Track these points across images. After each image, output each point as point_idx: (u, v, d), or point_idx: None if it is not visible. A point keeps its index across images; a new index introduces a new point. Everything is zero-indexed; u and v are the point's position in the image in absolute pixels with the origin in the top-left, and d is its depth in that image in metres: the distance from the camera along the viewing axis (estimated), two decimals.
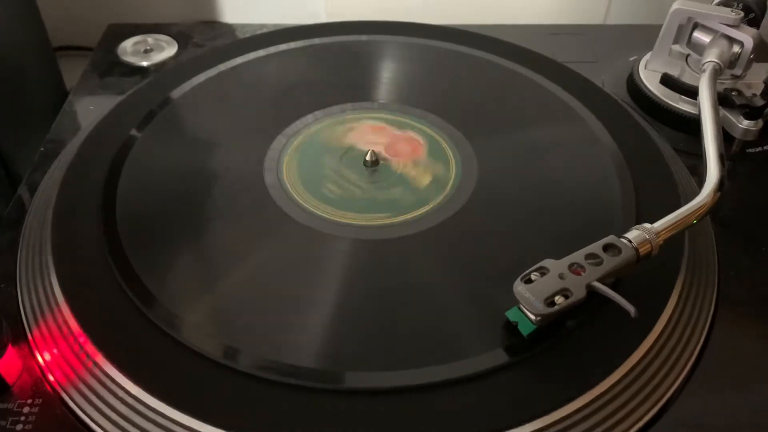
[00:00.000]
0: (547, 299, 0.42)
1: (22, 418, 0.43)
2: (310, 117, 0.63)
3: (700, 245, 0.53)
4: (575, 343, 0.45)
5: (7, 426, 0.43)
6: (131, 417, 0.42)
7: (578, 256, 0.44)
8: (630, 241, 0.45)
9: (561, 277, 0.43)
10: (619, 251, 0.44)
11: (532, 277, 0.43)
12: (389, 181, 0.57)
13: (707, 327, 0.49)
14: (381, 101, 0.66)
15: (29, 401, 0.44)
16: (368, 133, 0.62)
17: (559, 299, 0.42)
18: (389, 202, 0.55)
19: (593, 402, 0.43)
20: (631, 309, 0.41)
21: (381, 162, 0.59)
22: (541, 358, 0.44)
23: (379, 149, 0.60)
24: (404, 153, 0.60)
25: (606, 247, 0.45)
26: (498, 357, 0.44)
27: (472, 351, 0.44)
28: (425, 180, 0.57)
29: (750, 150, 0.64)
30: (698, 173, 0.52)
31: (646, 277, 0.48)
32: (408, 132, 0.62)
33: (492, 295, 0.46)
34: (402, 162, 0.59)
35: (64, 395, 0.44)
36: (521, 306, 0.43)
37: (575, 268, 0.43)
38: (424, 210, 0.54)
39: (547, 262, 0.44)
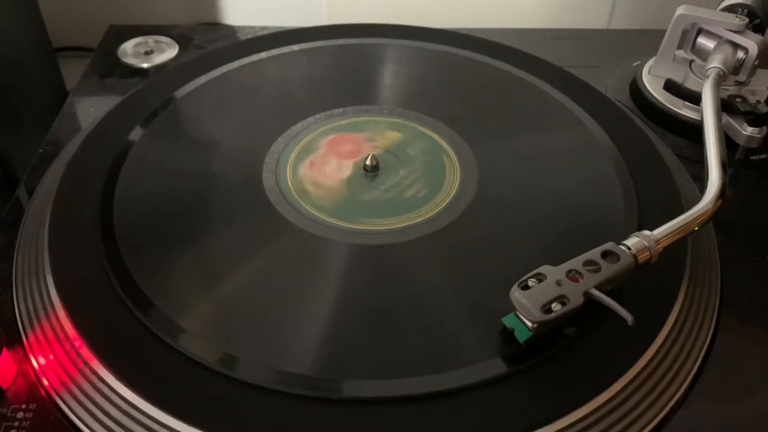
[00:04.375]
0: (543, 306, 0.42)
1: (16, 423, 0.43)
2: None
3: (702, 253, 0.53)
4: (577, 352, 0.45)
5: (1, 431, 0.43)
6: (126, 423, 0.42)
7: (576, 262, 0.44)
8: (629, 248, 0.45)
9: (558, 283, 0.43)
10: (618, 258, 0.44)
11: (530, 283, 0.43)
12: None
13: (710, 335, 0.49)
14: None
15: (23, 406, 0.44)
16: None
17: (556, 306, 0.42)
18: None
19: (594, 412, 0.42)
20: (628, 317, 0.41)
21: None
22: (541, 368, 0.44)
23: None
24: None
25: (604, 254, 0.44)
26: (497, 367, 0.43)
27: (471, 360, 0.44)
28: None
29: (754, 157, 0.63)
30: (701, 180, 0.51)
31: (648, 285, 0.48)
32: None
33: (492, 303, 0.46)
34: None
35: (58, 400, 0.44)
36: (518, 312, 0.43)
37: (573, 275, 0.43)
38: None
39: (544, 269, 0.44)
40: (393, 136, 0.61)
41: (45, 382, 0.45)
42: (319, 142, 0.61)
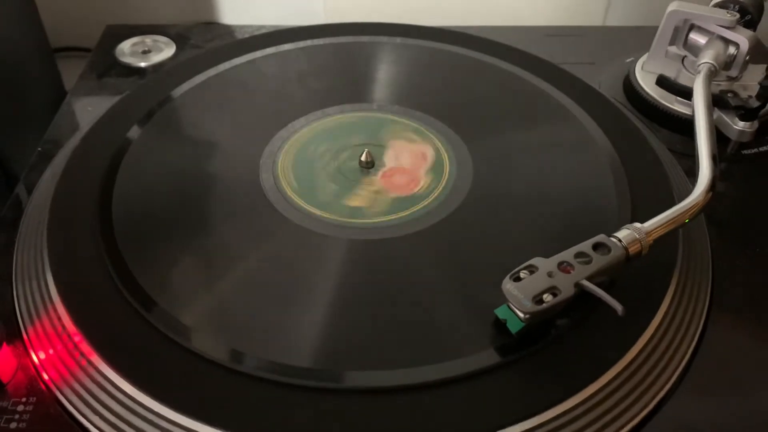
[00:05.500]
0: (535, 297, 0.42)
1: (17, 417, 0.44)
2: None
3: (694, 246, 0.54)
4: (568, 343, 0.45)
5: (1, 424, 0.43)
6: (125, 416, 0.42)
7: (568, 254, 0.44)
8: (620, 240, 0.45)
9: (550, 275, 0.43)
10: (609, 250, 0.44)
11: (521, 275, 0.44)
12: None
13: (700, 328, 0.49)
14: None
15: (24, 400, 0.45)
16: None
17: (547, 297, 0.42)
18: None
19: (584, 402, 0.43)
20: (618, 307, 0.41)
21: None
22: (533, 358, 0.44)
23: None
24: (401, 185, 0.58)
25: (595, 246, 0.45)
26: (489, 357, 0.44)
27: (464, 351, 0.44)
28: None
29: (746, 151, 0.64)
30: (694, 174, 0.52)
31: (640, 277, 0.48)
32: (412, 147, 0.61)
33: (486, 295, 0.46)
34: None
35: (58, 394, 0.45)
36: (510, 304, 0.43)
37: (564, 267, 0.44)
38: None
39: (536, 261, 0.44)
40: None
41: (45, 376, 0.46)
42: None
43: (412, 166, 0.59)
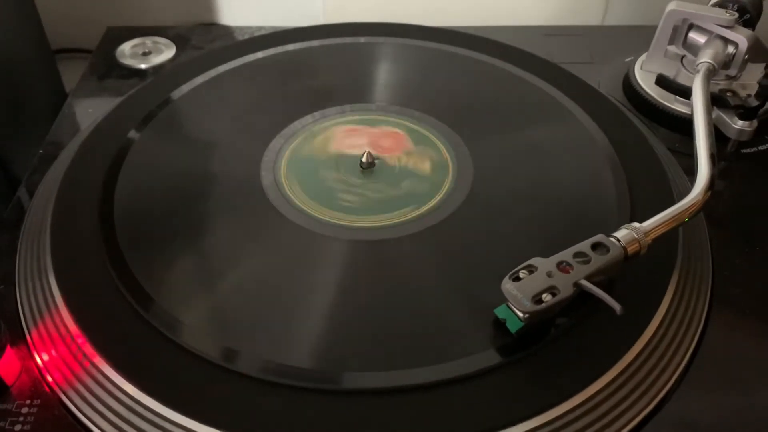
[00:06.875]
0: (534, 297, 0.42)
1: (21, 419, 0.44)
2: (310, 117, 0.64)
3: (694, 245, 0.54)
4: (567, 343, 0.45)
5: (6, 426, 0.43)
6: (129, 417, 0.43)
7: (566, 254, 0.44)
8: (618, 239, 0.45)
9: (549, 275, 0.43)
10: (607, 250, 0.45)
11: (521, 275, 0.44)
12: (388, 180, 0.58)
13: (701, 326, 0.49)
14: (378, 103, 0.66)
15: (28, 402, 0.45)
16: (345, 137, 0.62)
17: (546, 297, 0.43)
18: (386, 202, 0.56)
19: (585, 402, 0.43)
20: (617, 307, 0.41)
21: (377, 162, 0.59)
22: (533, 358, 0.44)
23: (366, 149, 0.60)
24: (391, 147, 0.60)
25: (594, 246, 0.45)
26: (489, 357, 0.44)
27: (464, 351, 0.44)
28: (424, 171, 0.58)
29: (745, 150, 0.64)
30: (693, 173, 0.52)
31: (640, 276, 0.49)
32: (383, 127, 0.63)
33: (487, 295, 0.46)
34: (396, 156, 0.60)
35: (62, 396, 0.45)
36: (509, 304, 0.43)
37: (563, 266, 0.44)
38: (420, 211, 0.55)
39: (535, 260, 0.44)
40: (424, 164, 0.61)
41: (48, 378, 0.46)
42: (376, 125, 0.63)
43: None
